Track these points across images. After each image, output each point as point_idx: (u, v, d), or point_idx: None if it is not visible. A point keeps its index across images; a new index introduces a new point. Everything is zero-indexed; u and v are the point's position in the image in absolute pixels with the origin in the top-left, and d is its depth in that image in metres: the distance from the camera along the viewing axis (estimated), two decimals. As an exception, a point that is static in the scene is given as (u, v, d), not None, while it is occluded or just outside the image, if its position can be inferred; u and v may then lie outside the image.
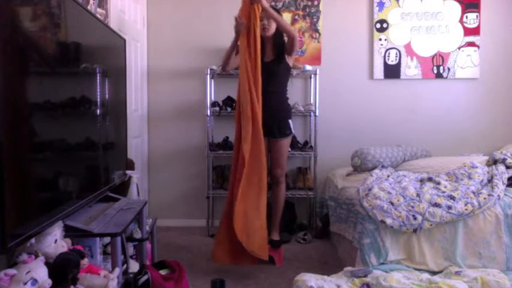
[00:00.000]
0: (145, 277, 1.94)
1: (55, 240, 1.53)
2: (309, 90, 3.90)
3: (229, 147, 3.58)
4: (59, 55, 1.73)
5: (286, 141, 3.06)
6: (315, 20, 3.89)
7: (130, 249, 2.40)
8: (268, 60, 3.05)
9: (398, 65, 3.89)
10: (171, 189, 3.97)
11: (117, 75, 2.55)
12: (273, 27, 2.97)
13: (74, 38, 1.85)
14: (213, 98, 3.82)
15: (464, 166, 2.88)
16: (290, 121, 3.09)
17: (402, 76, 3.90)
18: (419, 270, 2.37)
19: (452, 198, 2.48)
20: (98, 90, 2.14)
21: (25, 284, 1.27)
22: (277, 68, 3.02)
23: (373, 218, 2.44)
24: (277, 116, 3.02)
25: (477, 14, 3.86)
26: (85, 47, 1.97)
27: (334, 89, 3.92)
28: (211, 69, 3.71)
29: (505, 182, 2.66)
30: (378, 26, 3.88)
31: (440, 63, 3.89)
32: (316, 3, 3.88)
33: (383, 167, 3.25)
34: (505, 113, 3.96)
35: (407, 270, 2.34)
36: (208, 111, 3.72)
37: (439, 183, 2.71)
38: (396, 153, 3.48)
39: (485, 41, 3.89)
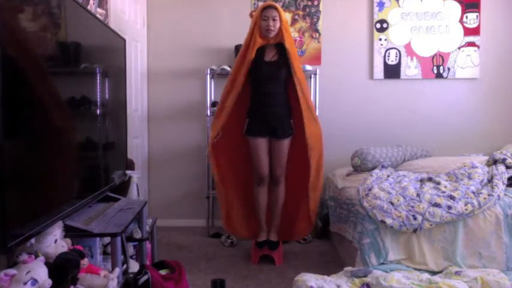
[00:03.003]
0: (145, 277, 1.94)
1: (55, 240, 1.53)
2: (309, 90, 3.89)
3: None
4: (59, 55, 1.73)
5: (288, 141, 3.05)
6: (315, 20, 3.89)
7: (131, 249, 2.40)
8: (269, 59, 3.00)
9: (398, 65, 3.89)
10: (171, 189, 3.97)
11: (117, 75, 2.55)
12: (276, 27, 2.93)
13: (74, 38, 1.85)
14: (213, 98, 3.81)
15: (464, 166, 2.88)
16: (291, 120, 3.09)
17: (402, 76, 3.90)
18: (419, 270, 2.37)
19: (452, 198, 2.48)
20: (98, 90, 2.14)
21: (25, 284, 1.27)
22: (279, 68, 2.99)
23: (373, 218, 2.44)
24: (280, 116, 3.00)
25: (477, 14, 3.86)
26: (85, 47, 1.97)
27: (334, 89, 3.92)
28: (211, 69, 3.71)
29: (505, 182, 2.66)
30: (378, 26, 3.88)
31: (440, 63, 3.89)
32: (316, 3, 3.88)
33: (383, 167, 3.25)
34: (505, 113, 3.96)
35: (407, 270, 2.34)
36: (208, 111, 3.72)
37: (439, 183, 2.71)
38: (396, 153, 3.48)
39: (485, 41, 3.89)
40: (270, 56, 2.99)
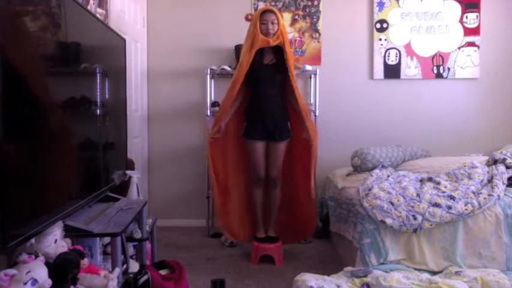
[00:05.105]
0: (145, 277, 1.94)
1: (55, 240, 1.53)
2: (309, 90, 3.90)
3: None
4: (59, 55, 1.73)
5: (285, 144, 3.07)
6: (315, 20, 3.89)
7: (130, 249, 2.40)
8: (268, 62, 3.03)
9: (398, 65, 3.89)
10: (171, 189, 3.97)
11: (117, 75, 2.55)
12: (275, 30, 2.93)
13: (74, 38, 1.85)
14: (213, 98, 3.81)
15: (464, 166, 2.88)
16: (289, 123, 3.11)
17: (402, 76, 3.90)
18: (419, 270, 2.37)
19: (452, 198, 2.48)
20: (98, 90, 2.14)
21: (25, 284, 1.27)
22: (277, 71, 3.01)
23: (373, 218, 2.44)
24: (278, 119, 3.02)
25: (477, 14, 3.86)
26: (85, 47, 1.97)
27: (334, 89, 3.92)
28: (211, 69, 3.71)
29: (505, 182, 2.66)
30: (378, 26, 3.88)
31: (440, 63, 3.89)
32: (316, 3, 3.88)
33: (383, 167, 3.25)
34: (505, 113, 3.96)
35: (407, 270, 2.34)
36: (208, 111, 3.72)
37: (439, 183, 2.70)
38: (396, 153, 3.48)
39: (485, 41, 3.89)
40: (269, 59, 3.03)
